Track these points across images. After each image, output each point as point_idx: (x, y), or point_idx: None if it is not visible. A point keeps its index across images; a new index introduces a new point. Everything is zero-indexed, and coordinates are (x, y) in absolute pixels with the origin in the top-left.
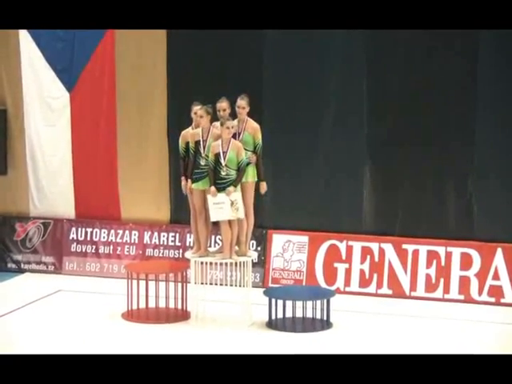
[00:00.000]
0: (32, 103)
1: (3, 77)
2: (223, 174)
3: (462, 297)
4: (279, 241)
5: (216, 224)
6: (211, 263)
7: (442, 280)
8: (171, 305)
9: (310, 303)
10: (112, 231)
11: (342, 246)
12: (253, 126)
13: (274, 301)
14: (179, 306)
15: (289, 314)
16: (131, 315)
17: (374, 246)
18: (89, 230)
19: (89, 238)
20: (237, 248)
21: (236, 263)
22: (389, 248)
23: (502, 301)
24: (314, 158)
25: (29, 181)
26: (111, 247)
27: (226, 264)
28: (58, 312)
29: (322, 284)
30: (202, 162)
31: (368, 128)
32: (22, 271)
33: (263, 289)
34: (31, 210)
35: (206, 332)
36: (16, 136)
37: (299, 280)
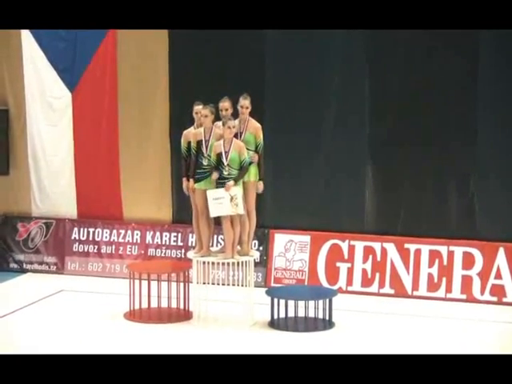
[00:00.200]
0: (34, 103)
1: (5, 77)
2: (225, 173)
3: (464, 296)
4: (281, 240)
5: (218, 224)
6: (213, 263)
7: (444, 279)
8: (173, 305)
9: (312, 303)
10: (114, 231)
11: (344, 246)
12: (254, 125)
13: (276, 300)
14: (181, 306)
15: (291, 314)
16: (133, 315)
17: (376, 246)
18: (91, 229)
19: (91, 238)
20: (239, 248)
21: (238, 263)
22: (391, 247)
23: (504, 300)
24: (315, 158)
25: (31, 181)
26: (113, 247)
27: (228, 264)
28: (60, 312)
29: (324, 283)
30: (205, 162)
31: (369, 128)
32: (24, 271)
33: (265, 288)
34: (33, 210)
35: (208, 332)
36: (18, 136)
37: (301, 279)
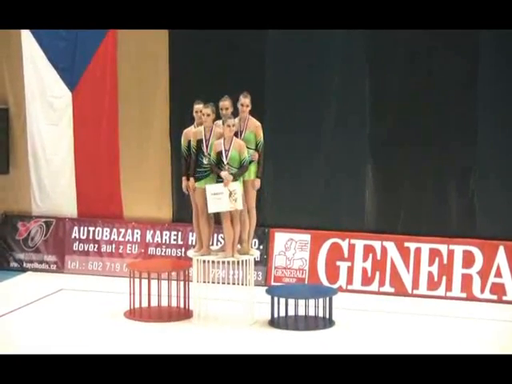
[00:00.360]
0: (34, 102)
1: (5, 76)
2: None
3: (464, 295)
4: (281, 239)
5: (218, 223)
6: (213, 262)
7: (444, 278)
8: (173, 303)
9: (312, 301)
10: (114, 230)
11: (345, 245)
12: (255, 123)
13: (276, 299)
14: (181, 305)
15: (291, 313)
16: (133, 314)
17: (377, 244)
18: (91, 228)
19: (91, 237)
20: (239, 246)
21: (238, 262)
22: (391, 246)
23: (505, 298)
24: (315, 158)
25: (31, 180)
26: (113, 246)
27: (229, 262)
28: (61, 311)
29: (325, 282)
30: (205, 161)
31: (370, 128)
32: (24, 270)
33: (265, 287)
34: (33, 209)
35: (209, 330)
36: (18, 135)
37: (301, 278)
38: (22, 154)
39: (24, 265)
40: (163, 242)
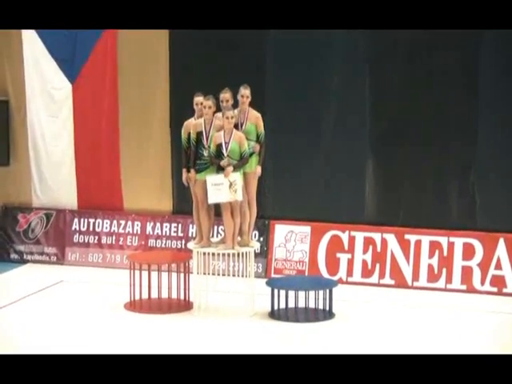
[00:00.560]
0: (34, 94)
1: (5, 67)
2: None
3: (464, 287)
4: (281, 231)
5: (219, 215)
6: (214, 254)
7: (444, 270)
8: (174, 295)
9: (312, 293)
10: (114, 222)
11: (345, 237)
12: (255, 115)
13: (276, 291)
14: (182, 297)
15: (291, 305)
16: (134, 305)
17: (377, 237)
18: (91, 220)
19: (91, 229)
20: (239, 238)
21: (238, 254)
22: (391, 238)
23: (505, 291)
24: (315, 155)
25: (31, 171)
26: (114, 238)
27: (229, 254)
28: (61, 303)
29: (325, 274)
30: (205, 153)
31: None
32: (24, 262)
33: (266, 279)
34: (34, 201)
35: (209, 322)
36: (18, 127)
37: (302, 270)
38: (23, 146)
39: (24, 256)
40: (163, 233)
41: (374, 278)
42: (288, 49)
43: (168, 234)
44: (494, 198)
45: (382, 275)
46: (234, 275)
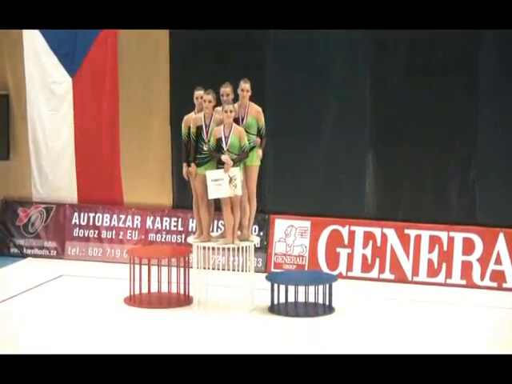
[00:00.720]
0: (34, 88)
1: (6, 62)
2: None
3: (464, 282)
4: (281, 226)
5: (218, 209)
6: (213, 248)
7: (444, 265)
8: (173, 290)
9: (312, 288)
10: (114, 216)
11: (345, 231)
12: (256, 109)
13: (276, 286)
14: (181, 291)
15: (291, 299)
16: (134, 300)
17: (377, 231)
18: (91, 214)
19: (91, 223)
20: (239, 233)
21: (238, 248)
22: (391, 233)
23: (504, 286)
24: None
25: (31, 166)
26: (114, 232)
27: (229, 249)
28: (61, 297)
29: (324, 269)
30: (205, 148)
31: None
32: (24, 256)
33: (265, 274)
34: (33, 195)
35: (209, 317)
36: (18, 121)
37: (301, 265)
38: (23, 140)
39: (24, 251)
40: (163, 228)
41: (374, 273)
42: (288, 49)
43: (168, 228)
44: (494, 198)
45: (381, 270)
46: (233, 270)
